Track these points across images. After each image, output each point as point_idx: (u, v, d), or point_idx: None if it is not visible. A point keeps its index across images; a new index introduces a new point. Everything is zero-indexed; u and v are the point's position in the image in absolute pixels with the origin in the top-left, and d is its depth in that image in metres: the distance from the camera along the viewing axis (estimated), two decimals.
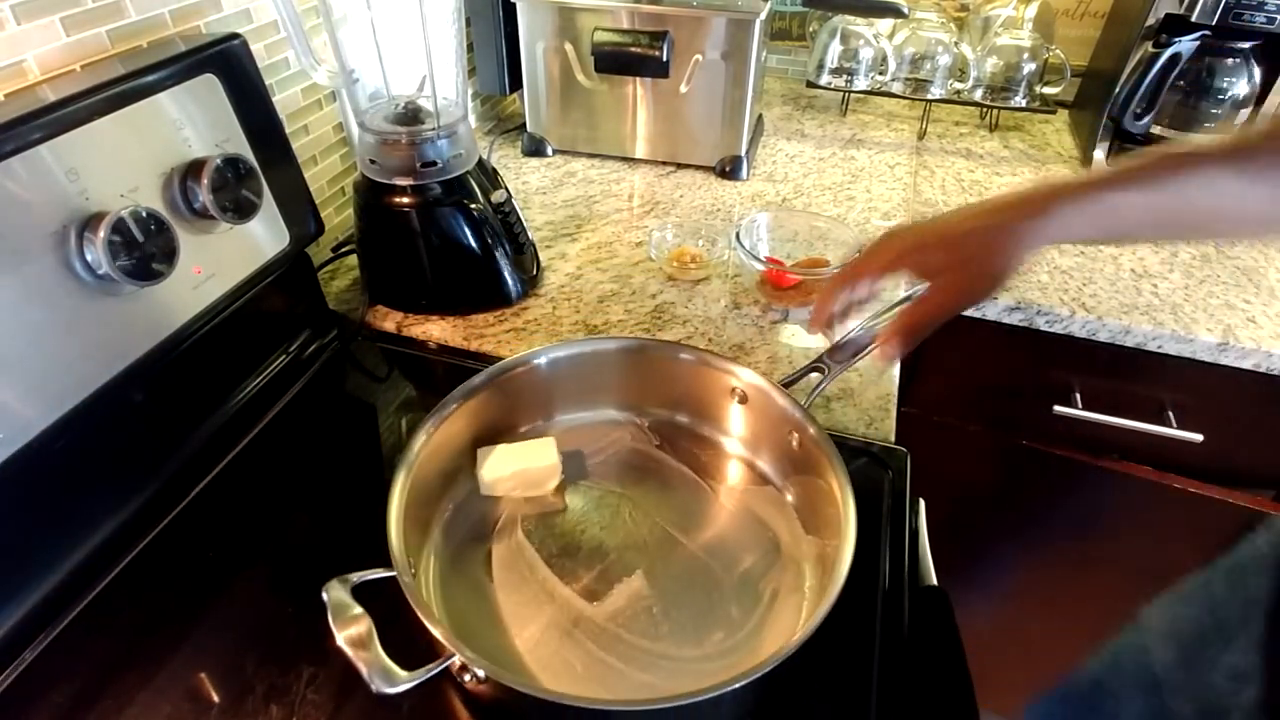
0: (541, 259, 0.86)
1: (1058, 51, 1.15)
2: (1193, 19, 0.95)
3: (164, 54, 0.57)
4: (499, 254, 0.77)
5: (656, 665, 0.48)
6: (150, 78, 0.54)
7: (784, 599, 0.52)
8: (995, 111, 1.24)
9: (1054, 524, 1.07)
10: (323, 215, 0.73)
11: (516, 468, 0.58)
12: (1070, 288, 0.89)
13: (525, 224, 0.81)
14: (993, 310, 0.88)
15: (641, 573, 0.54)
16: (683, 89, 1.01)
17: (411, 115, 0.72)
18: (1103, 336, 0.86)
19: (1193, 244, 0.96)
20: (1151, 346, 0.85)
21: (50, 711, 0.47)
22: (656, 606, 0.52)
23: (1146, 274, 0.91)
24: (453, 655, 0.41)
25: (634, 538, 0.56)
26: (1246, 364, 0.83)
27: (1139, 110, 1.04)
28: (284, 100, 0.79)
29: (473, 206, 0.74)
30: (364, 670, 0.40)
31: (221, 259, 0.61)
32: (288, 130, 0.69)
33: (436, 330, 0.77)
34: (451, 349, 0.76)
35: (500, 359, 0.61)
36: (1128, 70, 1.04)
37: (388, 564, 0.45)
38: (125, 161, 0.53)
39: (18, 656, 0.49)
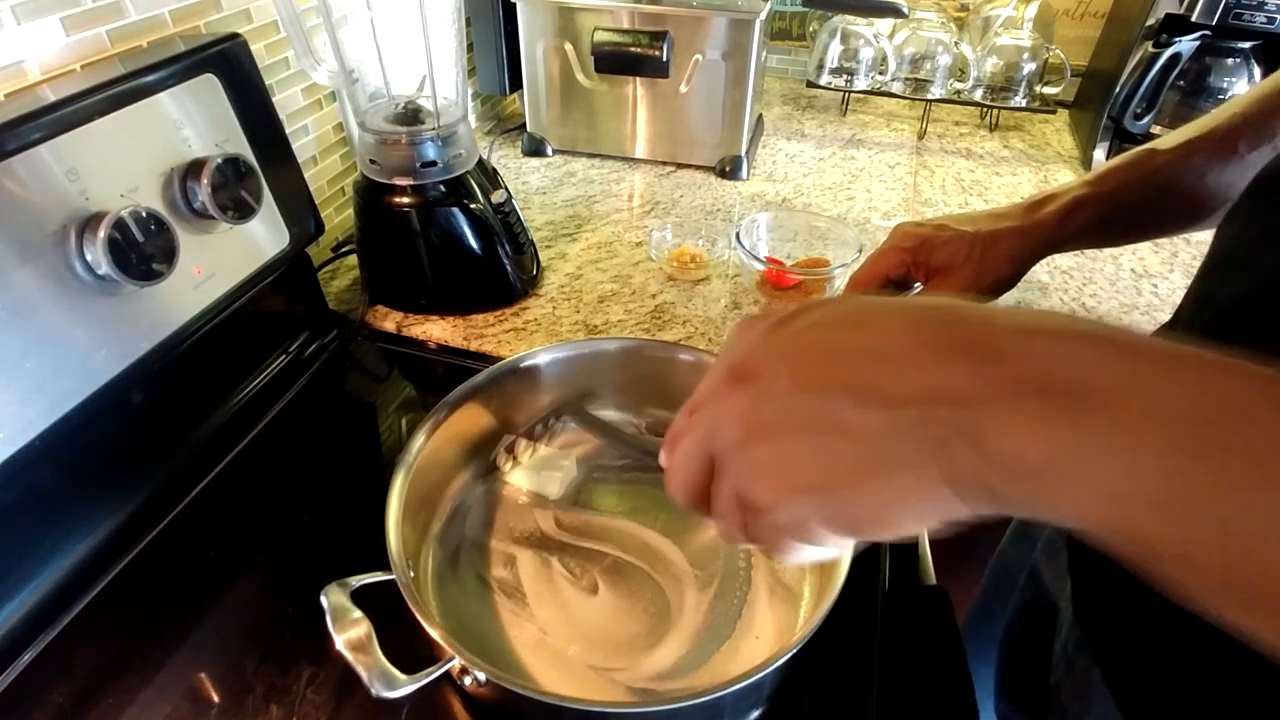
0: (541, 259, 0.86)
1: (1058, 51, 1.15)
2: (1193, 19, 0.95)
3: (164, 54, 0.57)
4: (499, 254, 0.77)
5: (656, 666, 0.48)
6: (150, 78, 0.54)
7: (783, 599, 0.52)
8: (995, 111, 1.24)
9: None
10: (323, 215, 0.73)
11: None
12: (1070, 288, 0.89)
13: (525, 224, 0.81)
14: None
15: (641, 573, 0.54)
16: (683, 89, 1.01)
17: (411, 115, 0.72)
18: None
19: (1192, 244, 0.96)
20: None
21: (50, 711, 0.47)
22: (656, 607, 0.52)
23: (1146, 274, 0.91)
24: (453, 658, 0.41)
25: (633, 538, 0.56)
26: None
27: (1139, 110, 1.04)
28: (284, 100, 0.79)
29: (473, 206, 0.74)
30: (364, 674, 0.40)
31: (221, 259, 0.61)
32: (288, 130, 0.69)
33: (436, 330, 0.77)
34: (451, 349, 0.76)
35: (500, 359, 0.61)
36: (1128, 70, 1.04)
37: (387, 565, 0.45)
38: (125, 161, 0.52)
39: (18, 656, 0.49)
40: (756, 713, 0.47)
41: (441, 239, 0.75)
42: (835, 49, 1.21)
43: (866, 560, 0.54)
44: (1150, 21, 1.01)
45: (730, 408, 0.28)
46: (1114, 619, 0.47)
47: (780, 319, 0.29)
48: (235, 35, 0.62)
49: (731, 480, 0.28)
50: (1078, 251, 0.94)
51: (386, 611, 0.43)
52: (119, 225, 0.49)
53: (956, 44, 1.18)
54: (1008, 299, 0.86)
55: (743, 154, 1.06)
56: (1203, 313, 0.43)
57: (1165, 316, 0.83)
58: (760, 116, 1.20)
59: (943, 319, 0.25)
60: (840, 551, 0.29)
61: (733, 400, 0.28)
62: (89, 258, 0.49)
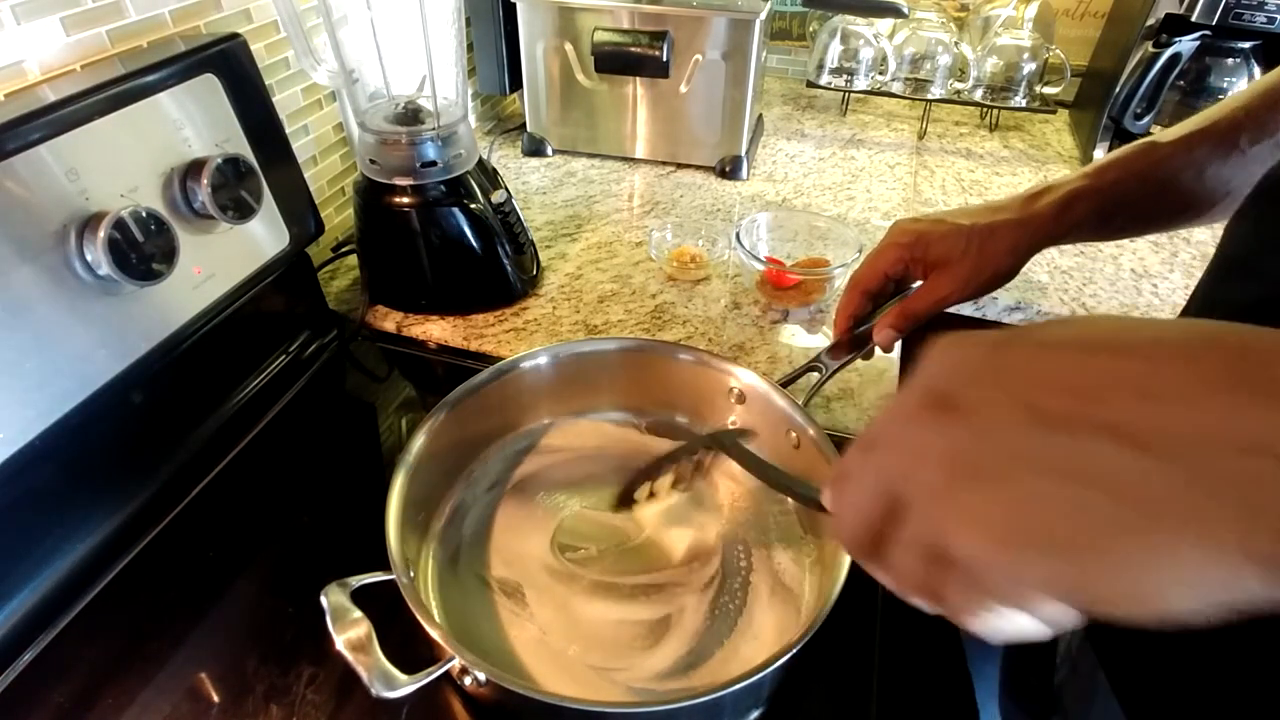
0: (541, 259, 0.86)
1: (1058, 51, 1.15)
2: (1193, 19, 0.95)
3: (164, 54, 0.57)
4: (499, 254, 0.77)
5: (656, 666, 0.48)
6: (150, 78, 0.54)
7: (783, 599, 0.52)
8: (995, 111, 1.24)
9: None
10: (323, 215, 0.73)
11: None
12: (1070, 288, 0.89)
13: (525, 224, 0.81)
14: (993, 310, 0.88)
15: (640, 574, 0.54)
16: (683, 89, 1.01)
17: (411, 115, 0.72)
18: None
19: (1192, 244, 0.96)
20: None
21: (50, 711, 0.47)
22: (656, 606, 0.52)
23: (1146, 274, 0.91)
24: (453, 658, 0.41)
25: (633, 539, 0.56)
26: None
27: (1139, 110, 1.04)
28: (284, 100, 0.79)
29: (473, 206, 0.74)
30: (364, 675, 0.40)
31: (221, 259, 0.61)
32: (288, 130, 0.69)
33: (436, 330, 0.77)
34: (451, 349, 0.76)
35: (500, 359, 0.61)
36: (1128, 70, 1.04)
37: (387, 565, 0.45)
38: (125, 161, 0.52)
39: (18, 656, 0.49)
40: (756, 713, 0.47)
41: (441, 239, 0.75)
42: (835, 49, 1.21)
43: None
44: (1150, 21, 1.01)
45: (930, 442, 0.23)
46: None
47: (996, 339, 0.24)
48: (235, 35, 0.62)
49: (924, 526, 0.24)
50: (1078, 251, 0.94)
51: (386, 611, 0.43)
52: (119, 225, 0.49)
53: (956, 44, 1.18)
54: (1006, 296, 0.86)
55: (743, 154, 1.06)
56: (1210, 316, 0.43)
57: (1165, 316, 0.84)
58: (760, 116, 1.20)
59: (1229, 343, 0.20)
60: (1046, 629, 0.23)
61: (934, 432, 0.23)
62: (89, 258, 0.49)
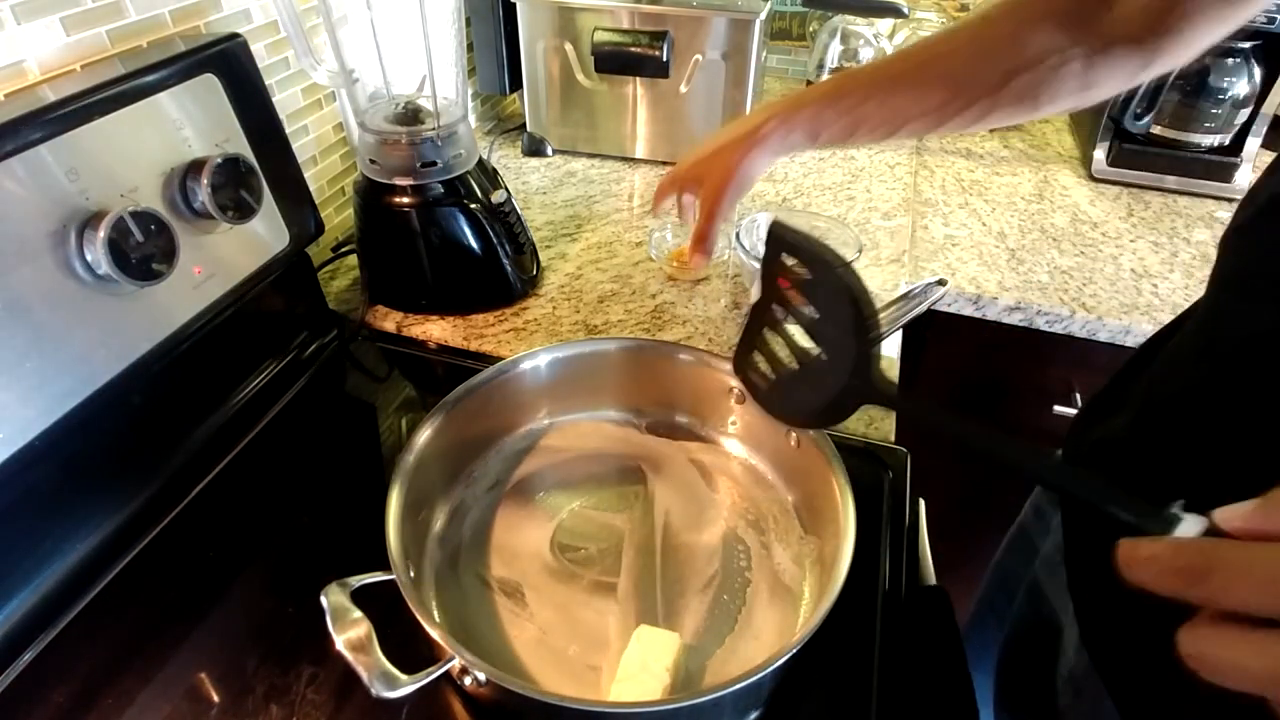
0: (541, 259, 0.86)
1: None
2: None
3: (164, 54, 0.57)
4: (499, 254, 0.77)
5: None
6: (150, 78, 0.54)
7: (783, 599, 0.52)
8: None
9: None
10: (323, 215, 0.73)
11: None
12: (1070, 288, 0.89)
13: (525, 224, 0.81)
14: (993, 310, 0.88)
15: (640, 574, 0.54)
16: (683, 89, 1.02)
17: (411, 115, 0.72)
18: (1102, 336, 0.86)
19: (1192, 244, 0.96)
20: None
21: (50, 711, 0.47)
22: (655, 608, 0.52)
23: (1146, 274, 0.91)
24: (453, 658, 0.41)
25: (633, 539, 0.56)
26: None
27: (1139, 110, 1.05)
28: (284, 100, 0.79)
29: (473, 206, 0.74)
30: (364, 675, 0.40)
31: (221, 259, 0.61)
32: (288, 130, 0.69)
33: (436, 330, 0.77)
34: (451, 349, 0.76)
35: (500, 359, 0.61)
36: None
37: (387, 565, 0.45)
38: (125, 161, 0.52)
39: (18, 656, 0.49)
40: (756, 713, 0.47)
41: (441, 239, 0.75)
42: (835, 49, 1.21)
43: (866, 560, 0.54)
44: None
45: None
46: (1124, 648, 0.46)
47: None
48: (235, 35, 0.62)
49: None
50: (1078, 251, 0.94)
51: (386, 611, 0.43)
52: (119, 225, 0.49)
53: None
54: (1006, 297, 0.86)
55: None
56: (1219, 343, 0.41)
57: (1166, 317, 0.84)
58: None
59: None
60: None
61: None
62: (89, 257, 0.49)
